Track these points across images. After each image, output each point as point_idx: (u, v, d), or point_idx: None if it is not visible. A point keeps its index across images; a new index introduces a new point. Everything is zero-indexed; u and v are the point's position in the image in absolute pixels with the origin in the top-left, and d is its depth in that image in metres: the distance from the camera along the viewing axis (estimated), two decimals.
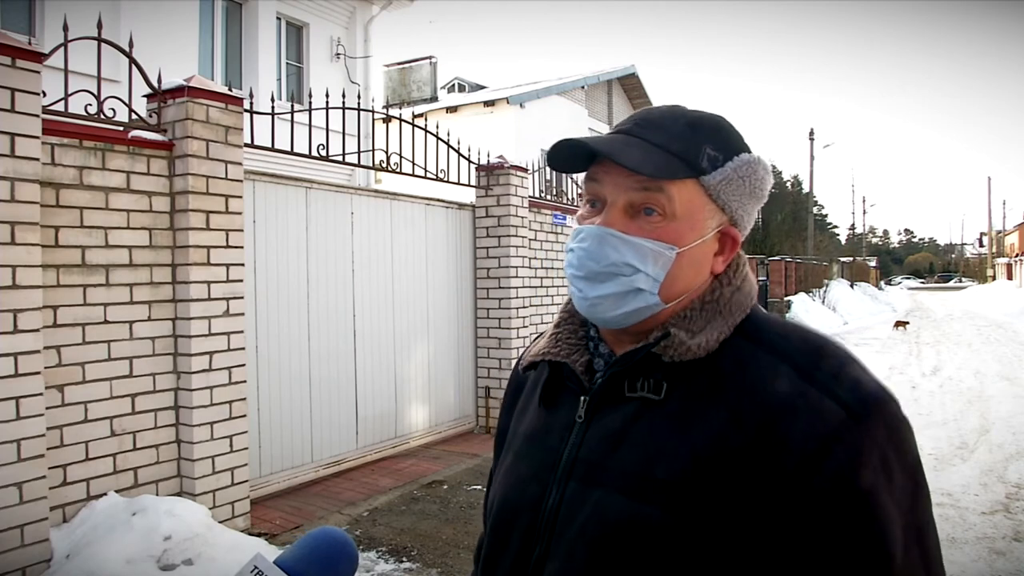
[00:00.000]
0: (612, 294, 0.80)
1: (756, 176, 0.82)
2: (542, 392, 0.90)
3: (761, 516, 0.69)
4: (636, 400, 0.79)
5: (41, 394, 3.15)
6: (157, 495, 3.68)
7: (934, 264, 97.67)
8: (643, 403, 0.79)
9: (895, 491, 0.70)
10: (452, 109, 15.29)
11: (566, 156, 0.83)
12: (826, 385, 0.72)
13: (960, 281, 68.47)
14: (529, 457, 0.87)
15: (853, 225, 63.94)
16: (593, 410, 0.82)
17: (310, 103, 4.89)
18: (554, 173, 7.99)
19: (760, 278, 19.38)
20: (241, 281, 4.11)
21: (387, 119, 5.71)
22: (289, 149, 4.69)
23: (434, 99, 18.37)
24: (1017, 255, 34.70)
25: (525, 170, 6.82)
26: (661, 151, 0.79)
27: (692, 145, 0.80)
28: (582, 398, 0.84)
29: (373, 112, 6.11)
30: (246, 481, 4.13)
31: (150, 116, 3.88)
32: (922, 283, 75.19)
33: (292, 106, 4.88)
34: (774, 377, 0.74)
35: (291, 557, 0.83)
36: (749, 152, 0.83)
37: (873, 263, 47.79)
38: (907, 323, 18.92)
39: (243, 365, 4.11)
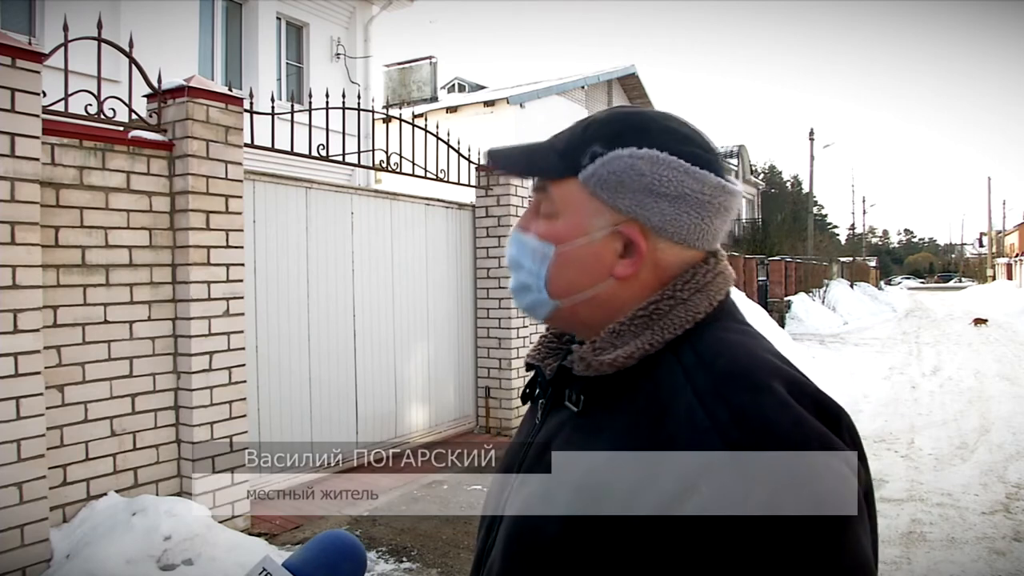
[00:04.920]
0: (515, 287, 0.86)
1: (635, 170, 0.76)
2: (522, 394, 0.94)
3: (642, 546, 0.65)
4: (567, 409, 0.81)
5: (41, 394, 3.15)
6: (157, 495, 3.68)
7: (934, 264, 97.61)
8: (569, 413, 0.80)
9: (770, 541, 0.62)
10: (452, 109, 15.29)
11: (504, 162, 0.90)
12: (719, 419, 0.65)
13: (960, 281, 68.44)
14: (508, 454, 0.91)
15: (853, 225, 63.90)
16: (546, 414, 0.85)
17: (310, 103, 4.89)
18: None
19: (760, 278, 19.38)
20: (241, 281, 4.11)
21: (387, 119, 5.71)
22: (289, 149, 4.70)
23: (434, 99, 18.36)
24: (1017, 255, 34.71)
25: None
26: (550, 152, 0.82)
27: (579, 144, 0.80)
28: (540, 401, 0.88)
29: (373, 112, 6.12)
30: (246, 481, 4.13)
31: (150, 116, 3.88)
32: (922, 283, 75.14)
33: (292, 106, 4.88)
34: (673, 403, 0.69)
35: (299, 560, 0.83)
36: (662, 148, 0.76)
37: (873, 263, 47.78)
38: (985, 320, 19.43)
39: (243, 365, 4.12)
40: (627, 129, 0.80)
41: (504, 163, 0.86)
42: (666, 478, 0.65)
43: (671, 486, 0.65)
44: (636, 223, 0.78)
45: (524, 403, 0.93)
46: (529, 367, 0.96)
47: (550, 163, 0.81)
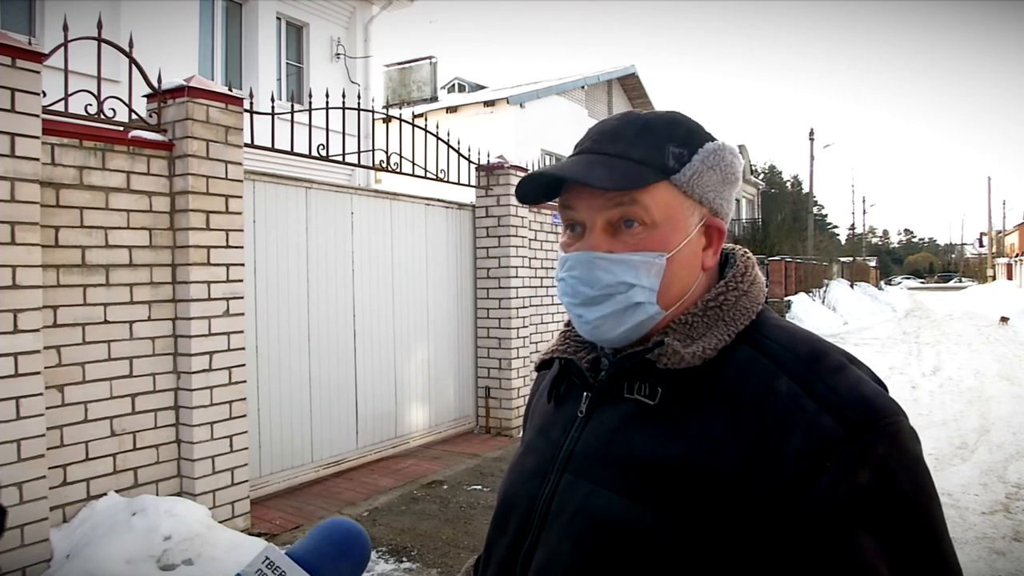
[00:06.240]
0: (612, 313, 0.80)
1: (725, 162, 0.82)
2: (550, 388, 0.92)
3: (749, 530, 0.68)
4: (633, 401, 0.80)
5: (41, 394, 3.15)
6: (157, 495, 3.68)
7: (934, 264, 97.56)
8: (639, 405, 0.79)
9: (890, 515, 0.68)
10: (452, 109, 15.29)
11: (533, 190, 0.84)
12: (826, 398, 0.70)
13: (960, 281, 68.43)
14: (535, 450, 0.89)
15: (853, 225, 63.99)
16: (594, 406, 0.83)
17: (310, 103, 4.89)
18: None
19: None
20: (241, 281, 4.11)
21: (387, 119, 5.71)
22: (289, 149, 4.69)
23: (434, 99, 18.36)
24: (1017, 255, 34.69)
25: (525, 170, 6.81)
26: (624, 161, 0.79)
27: (654, 147, 0.80)
28: (585, 394, 0.85)
29: (373, 112, 6.12)
30: (246, 481, 4.13)
31: (150, 116, 3.88)
32: (922, 283, 75.12)
33: (292, 106, 4.88)
34: (773, 388, 0.73)
35: (302, 548, 0.83)
36: (712, 140, 0.83)
37: (873, 263, 47.79)
38: (1008, 318, 20.01)
39: (243, 365, 4.11)
40: (688, 127, 0.83)
41: (593, 181, 0.77)
42: (788, 461, 0.68)
43: (793, 467, 0.68)
44: (712, 212, 0.83)
45: (552, 399, 0.91)
46: (542, 366, 0.95)
47: (643, 172, 0.78)
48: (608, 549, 0.74)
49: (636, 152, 0.79)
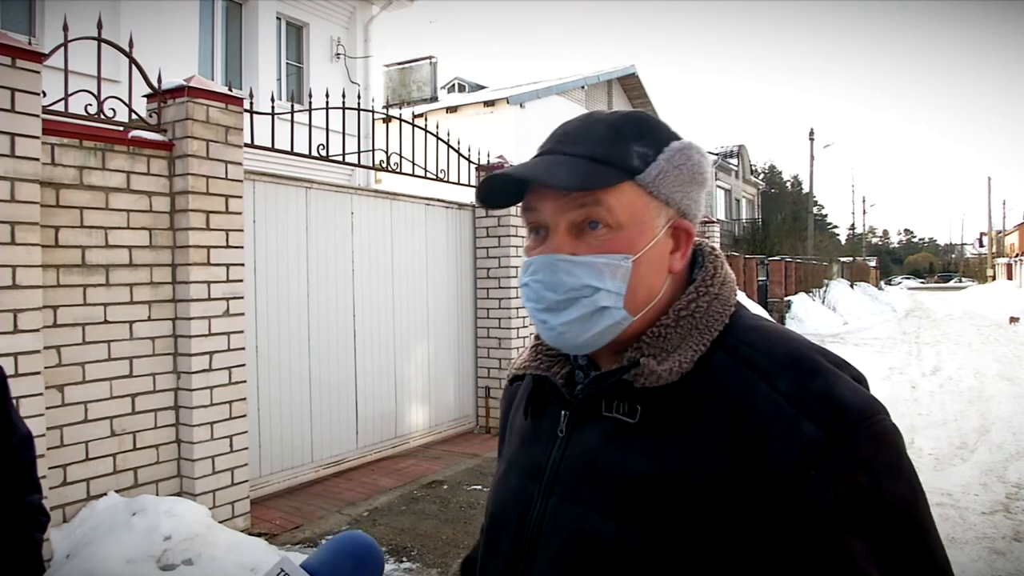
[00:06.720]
0: (577, 318, 0.76)
1: (691, 162, 0.79)
2: (526, 404, 0.89)
3: (741, 543, 0.67)
4: (613, 419, 0.77)
5: (41, 394, 3.15)
6: (157, 495, 3.68)
7: (934, 264, 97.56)
8: (619, 423, 0.77)
9: (878, 516, 0.68)
10: (452, 109, 15.29)
11: (495, 192, 0.81)
12: (807, 405, 0.69)
13: (960, 281, 68.44)
14: (517, 468, 0.87)
15: (853, 225, 64.03)
16: (573, 425, 0.81)
17: (310, 103, 4.89)
18: None
19: (760, 278, 19.38)
20: (241, 281, 4.11)
21: (387, 119, 5.71)
22: (289, 149, 4.70)
23: (434, 99, 18.36)
24: (1017, 255, 34.68)
25: None
26: (587, 161, 0.76)
27: (617, 147, 0.77)
28: (563, 412, 0.82)
29: (373, 112, 6.12)
30: (246, 481, 4.13)
31: (150, 116, 3.88)
32: (922, 283, 75.14)
33: (292, 106, 4.88)
34: (752, 396, 0.71)
35: (317, 561, 0.82)
36: (679, 140, 0.80)
37: (873, 263, 47.78)
38: (1018, 319, 19.87)
39: (243, 365, 4.11)
40: (653, 127, 0.81)
41: (555, 182, 0.74)
42: (772, 471, 0.67)
43: (777, 477, 0.67)
44: (680, 214, 0.81)
45: (530, 415, 0.88)
46: (514, 379, 0.92)
47: (606, 172, 0.76)
48: (601, 572, 0.73)
49: (599, 152, 0.77)
